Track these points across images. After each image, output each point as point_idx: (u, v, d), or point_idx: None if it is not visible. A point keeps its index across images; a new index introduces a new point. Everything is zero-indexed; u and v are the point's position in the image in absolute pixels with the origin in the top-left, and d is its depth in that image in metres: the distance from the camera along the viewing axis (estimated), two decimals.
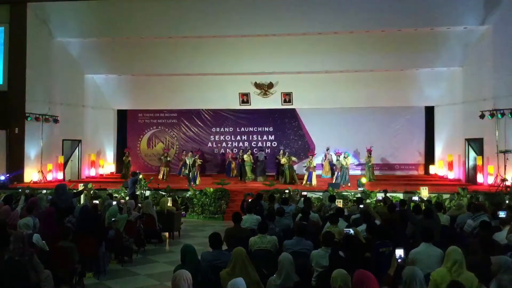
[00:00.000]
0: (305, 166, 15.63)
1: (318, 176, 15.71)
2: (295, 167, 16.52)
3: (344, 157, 15.18)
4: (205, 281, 4.14)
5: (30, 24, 15.06)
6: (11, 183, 14.11)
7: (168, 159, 17.69)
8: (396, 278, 4.02)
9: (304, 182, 15.14)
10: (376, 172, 17.09)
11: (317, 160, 16.68)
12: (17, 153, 14.93)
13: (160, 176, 16.99)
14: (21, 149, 14.94)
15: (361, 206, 8.58)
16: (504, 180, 12.71)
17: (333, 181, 14.82)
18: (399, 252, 4.29)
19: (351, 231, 5.45)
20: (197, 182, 15.57)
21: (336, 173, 15.41)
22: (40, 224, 7.01)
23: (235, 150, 18.64)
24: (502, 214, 6.68)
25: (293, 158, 16.34)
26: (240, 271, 4.18)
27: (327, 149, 16.95)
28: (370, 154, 16.42)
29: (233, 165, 17.94)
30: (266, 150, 18.44)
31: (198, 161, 16.18)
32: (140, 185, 13.64)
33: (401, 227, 6.71)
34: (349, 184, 14.62)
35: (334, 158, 15.97)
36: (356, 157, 17.68)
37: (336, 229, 5.85)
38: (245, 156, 16.97)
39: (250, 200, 9.09)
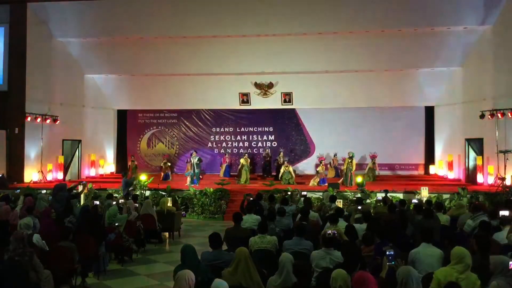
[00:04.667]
0: (318, 172, 15.62)
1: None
2: (294, 167, 16.60)
3: (349, 157, 15.20)
4: (205, 281, 4.14)
5: (30, 24, 15.05)
6: (11, 183, 14.12)
7: (169, 164, 17.60)
8: (388, 281, 4.00)
9: (315, 183, 15.16)
10: (376, 172, 17.05)
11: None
12: (17, 153, 14.93)
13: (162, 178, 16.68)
14: (21, 149, 14.94)
15: (359, 207, 8.58)
16: (502, 178, 12.70)
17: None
18: (390, 253, 4.27)
19: (335, 232, 5.46)
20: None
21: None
22: (40, 224, 7.02)
23: (234, 150, 18.63)
24: (504, 213, 6.66)
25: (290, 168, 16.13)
26: (242, 271, 4.18)
27: (335, 155, 16.94)
28: (375, 161, 16.50)
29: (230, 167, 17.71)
30: (266, 150, 18.40)
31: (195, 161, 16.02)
32: (140, 185, 13.67)
33: (401, 227, 6.71)
34: (351, 185, 14.63)
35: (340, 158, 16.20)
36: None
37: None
38: (241, 159, 16.45)
39: (250, 199, 9.10)
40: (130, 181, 12.31)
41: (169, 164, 17.69)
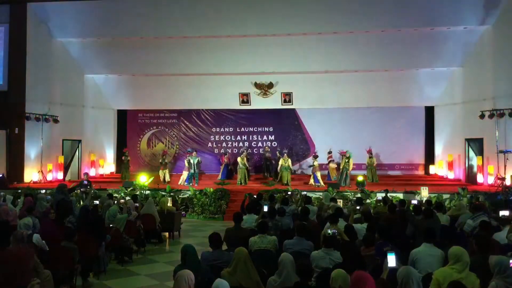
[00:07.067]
0: (311, 167, 15.59)
1: (322, 177, 15.52)
2: (293, 167, 16.53)
3: (347, 156, 15.18)
4: (205, 281, 4.14)
5: (30, 24, 15.08)
6: (11, 183, 14.13)
7: (166, 161, 17.37)
8: (389, 282, 4.00)
9: (310, 182, 15.11)
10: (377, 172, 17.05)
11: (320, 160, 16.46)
12: (17, 153, 14.95)
13: (162, 178, 16.32)
14: (21, 149, 14.96)
15: (358, 207, 8.58)
16: (502, 178, 12.70)
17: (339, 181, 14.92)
18: (391, 255, 4.26)
19: (335, 231, 5.46)
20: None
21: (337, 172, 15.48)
22: (40, 224, 7.01)
23: (234, 150, 18.60)
24: (504, 213, 6.67)
25: (289, 161, 15.88)
26: (241, 271, 4.19)
27: (330, 152, 16.84)
28: (371, 155, 16.45)
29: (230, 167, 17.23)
30: (266, 148, 18.27)
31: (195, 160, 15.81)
32: (140, 185, 13.69)
33: (401, 227, 6.71)
34: (349, 185, 14.62)
35: (337, 156, 16.08)
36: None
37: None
38: (238, 158, 16.21)
39: (253, 198, 9.12)
40: (84, 184, 12.62)
41: (167, 161, 17.14)
